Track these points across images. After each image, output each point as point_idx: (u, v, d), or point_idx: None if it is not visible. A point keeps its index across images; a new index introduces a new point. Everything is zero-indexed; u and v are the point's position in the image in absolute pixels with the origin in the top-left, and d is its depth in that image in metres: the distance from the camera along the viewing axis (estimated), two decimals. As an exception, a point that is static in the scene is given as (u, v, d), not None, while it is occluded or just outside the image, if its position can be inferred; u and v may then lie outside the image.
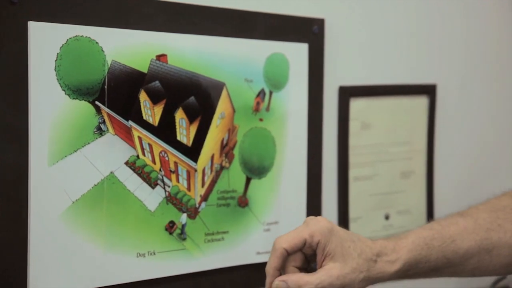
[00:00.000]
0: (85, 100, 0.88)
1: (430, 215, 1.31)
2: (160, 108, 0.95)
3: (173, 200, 0.98)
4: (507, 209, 0.96)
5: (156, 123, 0.95)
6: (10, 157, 0.83)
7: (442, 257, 0.91)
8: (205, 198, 1.01)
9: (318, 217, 0.87)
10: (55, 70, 0.85)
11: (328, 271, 0.84)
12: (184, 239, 0.98)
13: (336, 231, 0.85)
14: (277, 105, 1.07)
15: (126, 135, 0.93)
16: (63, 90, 0.86)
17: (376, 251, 0.87)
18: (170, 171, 0.97)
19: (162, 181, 0.96)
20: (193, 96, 0.98)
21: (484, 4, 1.39)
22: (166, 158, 0.96)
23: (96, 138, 0.90)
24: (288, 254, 0.85)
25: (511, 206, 0.97)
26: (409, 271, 0.90)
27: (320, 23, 1.12)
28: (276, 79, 1.07)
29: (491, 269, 0.95)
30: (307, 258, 0.87)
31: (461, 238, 0.92)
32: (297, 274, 0.85)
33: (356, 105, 1.19)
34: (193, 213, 0.99)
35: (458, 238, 0.92)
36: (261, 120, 1.06)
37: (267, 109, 1.06)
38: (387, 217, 1.26)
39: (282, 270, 0.86)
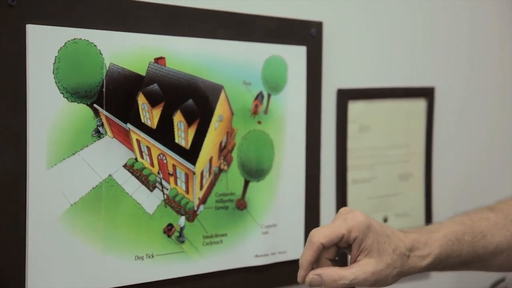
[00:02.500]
0: (83, 103, 0.88)
1: (428, 217, 1.31)
2: (159, 111, 0.95)
3: (172, 203, 0.97)
4: None
5: (154, 126, 0.95)
6: (8, 159, 0.83)
7: (473, 252, 0.91)
8: (203, 200, 1.01)
9: (355, 211, 0.85)
10: (53, 73, 0.85)
11: (363, 266, 0.84)
12: (183, 242, 0.98)
13: (373, 227, 0.85)
14: (276, 108, 1.07)
15: (125, 138, 0.93)
16: (61, 93, 0.86)
17: (409, 246, 0.87)
18: (169, 173, 0.97)
19: (161, 184, 0.96)
20: (191, 99, 0.98)
21: (483, 7, 1.39)
22: (165, 161, 0.96)
23: (95, 141, 0.90)
24: (323, 248, 0.84)
25: None
26: (439, 265, 0.90)
27: (318, 26, 1.12)
28: (274, 82, 1.07)
29: None
30: (339, 249, 0.87)
31: (491, 234, 0.93)
32: (331, 268, 0.84)
33: (354, 107, 1.20)
34: (191, 215, 0.99)
35: (489, 234, 0.92)
36: (259, 122, 1.06)
37: (266, 111, 1.06)
38: (385, 220, 1.26)
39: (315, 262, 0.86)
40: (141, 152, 0.94)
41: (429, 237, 0.89)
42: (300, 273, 0.85)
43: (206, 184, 1.01)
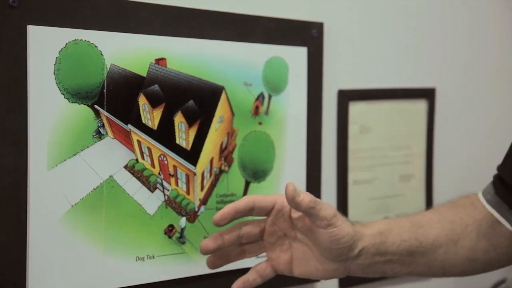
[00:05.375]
0: (84, 104, 0.88)
1: (429, 218, 1.31)
2: (159, 111, 0.95)
3: (172, 203, 0.97)
4: (465, 206, 0.99)
5: (155, 127, 0.95)
6: (9, 161, 0.83)
7: (415, 239, 0.93)
8: (204, 201, 1.01)
9: None
10: (54, 74, 0.85)
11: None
12: (183, 242, 0.98)
13: None
14: (276, 109, 1.07)
15: (125, 139, 0.93)
16: (62, 94, 0.86)
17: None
18: (169, 174, 0.97)
19: (161, 184, 0.96)
20: (192, 100, 0.98)
21: (484, 7, 1.39)
22: (165, 162, 0.96)
23: (95, 142, 0.90)
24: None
25: (468, 203, 0.99)
26: (384, 243, 0.90)
27: (319, 27, 1.12)
28: (275, 83, 1.07)
29: (459, 263, 0.96)
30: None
31: (428, 226, 0.95)
32: None
33: (355, 108, 1.20)
34: (192, 216, 0.99)
35: (426, 225, 0.95)
36: (260, 123, 1.06)
37: (266, 112, 1.06)
38: (386, 221, 1.26)
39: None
40: (142, 153, 0.94)
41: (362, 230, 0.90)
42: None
43: (207, 185, 1.01)
